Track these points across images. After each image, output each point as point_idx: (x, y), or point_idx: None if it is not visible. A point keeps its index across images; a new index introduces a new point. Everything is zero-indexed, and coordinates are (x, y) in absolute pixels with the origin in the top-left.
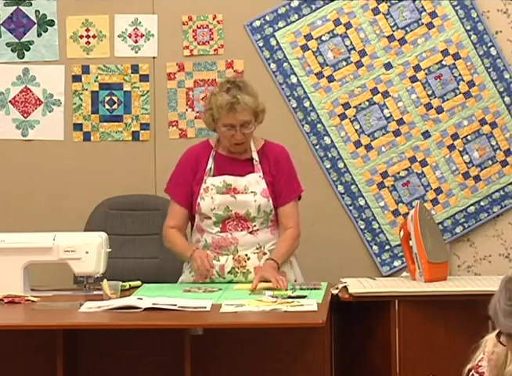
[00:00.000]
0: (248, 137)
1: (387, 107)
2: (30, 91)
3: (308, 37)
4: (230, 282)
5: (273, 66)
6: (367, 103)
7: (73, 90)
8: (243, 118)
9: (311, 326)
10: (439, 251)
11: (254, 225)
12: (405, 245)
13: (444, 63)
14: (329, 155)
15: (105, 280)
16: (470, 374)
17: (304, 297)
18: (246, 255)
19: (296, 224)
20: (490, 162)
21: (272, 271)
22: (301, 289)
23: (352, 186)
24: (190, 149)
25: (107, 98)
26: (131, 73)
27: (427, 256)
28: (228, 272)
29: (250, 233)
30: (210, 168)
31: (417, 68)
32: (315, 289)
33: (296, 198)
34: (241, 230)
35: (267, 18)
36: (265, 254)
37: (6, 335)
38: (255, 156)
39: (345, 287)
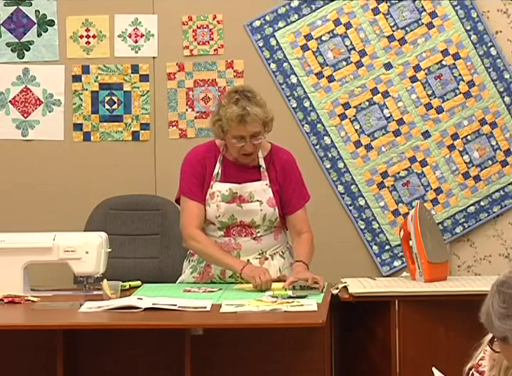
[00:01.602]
0: (258, 147)
1: (387, 107)
2: (30, 91)
3: (308, 37)
4: (231, 282)
5: (273, 66)
6: (367, 103)
7: (73, 90)
8: (253, 129)
9: (311, 326)
10: (439, 251)
11: (258, 232)
12: (405, 245)
13: (444, 63)
14: (329, 155)
15: (105, 280)
16: (471, 373)
17: (304, 297)
18: (248, 261)
19: (309, 228)
20: (490, 162)
21: (305, 272)
22: (301, 288)
23: (352, 186)
24: (195, 149)
25: (107, 98)
26: (131, 73)
27: (427, 256)
28: (230, 277)
29: (254, 239)
30: (218, 173)
31: (417, 68)
32: (314, 288)
33: (305, 204)
34: (245, 236)
35: (267, 18)
36: (266, 259)
37: (6, 335)
38: (262, 163)
39: (345, 287)
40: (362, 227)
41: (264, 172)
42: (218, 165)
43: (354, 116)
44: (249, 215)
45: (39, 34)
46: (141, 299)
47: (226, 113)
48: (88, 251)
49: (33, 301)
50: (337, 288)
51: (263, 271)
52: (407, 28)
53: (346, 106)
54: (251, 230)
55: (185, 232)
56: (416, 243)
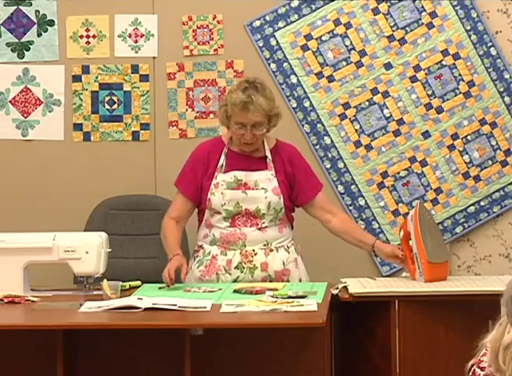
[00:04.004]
0: (259, 138)
1: (387, 107)
2: (30, 91)
3: (308, 37)
4: (236, 280)
5: (273, 66)
6: (367, 103)
7: (73, 90)
8: (255, 119)
9: (311, 326)
10: (439, 251)
11: (263, 222)
12: (405, 245)
13: (444, 63)
14: (329, 155)
15: (105, 280)
16: (472, 369)
17: (304, 297)
18: (254, 250)
19: (337, 208)
20: (490, 162)
21: (394, 248)
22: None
23: (352, 186)
24: (202, 145)
25: (107, 98)
26: (131, 73)
27: (427, 256)
28: (235, 268)
29: (259, 229)
30: (222, 165)
31: (417, 68)
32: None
33: (321, 190)
34: (250, 226)
35: (267, 18)
36: (271, 250)
37: (6, 335)
38: (268, 154)
39: (345, 287)
40: (362, 227)
41: (270, 163)
42: (222, 157)
43: (354, 116)
44: (254, 202)
45: (39, 34)
46: (141, 299)
47: (231, 98)
48: (88, 251)
49: (33, 301)
50: (337, 288)
51: (168, 267)
52: (407, 28)
53: (346, 106)
54: (256, 221)
55: (163, 220)
56: (416, 243)
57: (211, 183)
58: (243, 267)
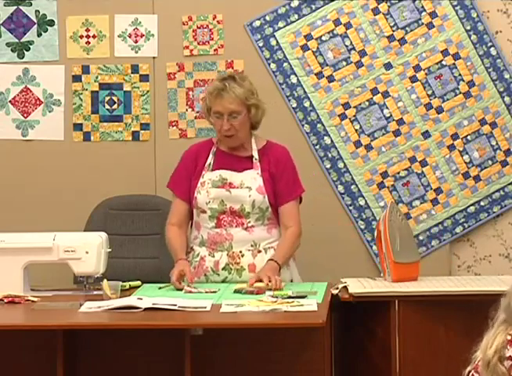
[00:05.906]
0: (238, 130)
1: (387, 107)
2: (30, 91)
3: (308, 37)
4: (224, 280)
5: (273, 66)
6: (367, 103)
7: (73, 90)
8: (230, 106)
9: (311, 326)
10: (408, 251)
11: (249, 222)
12: (378, 245)
13: (444, 63)
14: (329, 155)
15: (105, 280)
16: (470, 374)
17: (304, 297)
18: (241, 252)
19: (296, 223)
20: (490, 162)
21: (266, 271)
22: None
23: (352, 186)
24: (192, 146)
25: (107, 98)
26: (131, 73)
27: (393, 256)
28: (223, 269)
29: (245, 229)
30: (210, 164)
31: (417, 68)
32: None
33: (297, 198)
34: (236, 226)
35: (267, 18)
36: (259, 251)
37: (6, 335)
38: (255, 154)
39: (345, 287)
40: (362, 227)
41: (256, 163)
42: (210, 156)
43: (354, 116)
44: (238, 200)
45: (39, 34)
46: (141, 299)
47: (208, 88)
48: (88, 251)
49: (33, 301)
50: (337, 288)
51: (174, 272)
52: (407, 28)
53: (346, 106)
54: (242, 220)
55: (165, 228)
56: (385, 243)
57: (198, 182)
58: (231, 268)
